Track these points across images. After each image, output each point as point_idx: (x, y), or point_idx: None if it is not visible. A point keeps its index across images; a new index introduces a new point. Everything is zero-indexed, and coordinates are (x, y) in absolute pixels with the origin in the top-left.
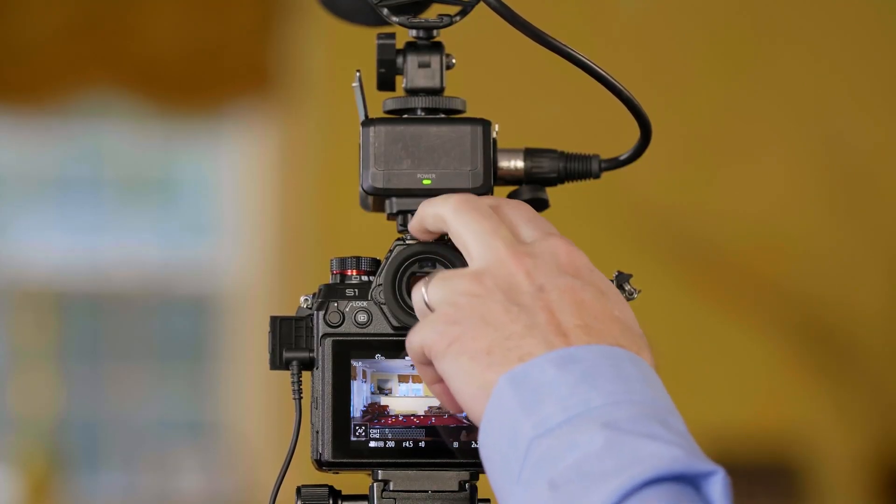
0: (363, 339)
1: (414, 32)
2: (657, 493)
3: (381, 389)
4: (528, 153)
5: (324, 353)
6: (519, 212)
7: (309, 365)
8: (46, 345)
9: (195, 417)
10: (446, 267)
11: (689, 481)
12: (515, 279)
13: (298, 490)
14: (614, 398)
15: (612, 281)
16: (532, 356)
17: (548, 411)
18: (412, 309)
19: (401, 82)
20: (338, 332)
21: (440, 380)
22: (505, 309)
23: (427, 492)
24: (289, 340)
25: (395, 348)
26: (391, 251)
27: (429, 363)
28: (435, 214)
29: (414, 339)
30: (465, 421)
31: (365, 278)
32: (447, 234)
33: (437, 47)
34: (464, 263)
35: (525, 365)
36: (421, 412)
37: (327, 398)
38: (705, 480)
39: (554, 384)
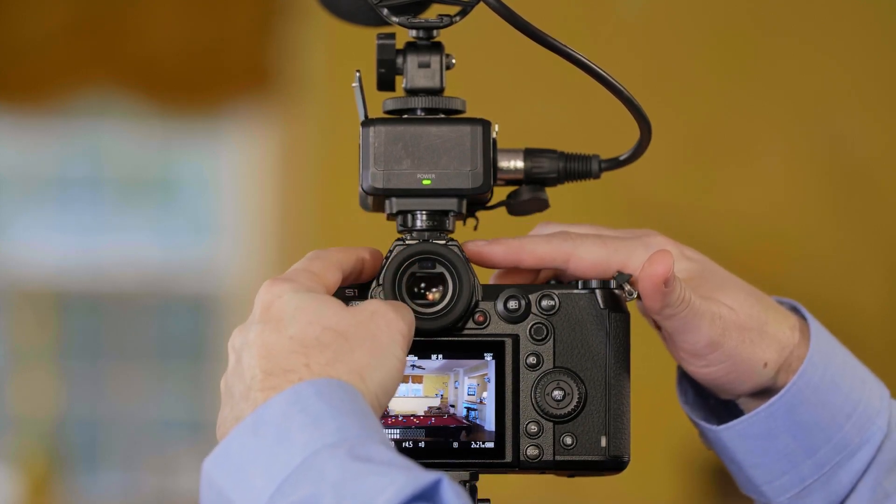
0: None
1: (414, 32)
2: None
3: None
4: (528, 153)
5: None
6: None
7: None
8: (46, 345)
9: (195, 417)
10: (446, 267)
11: (421, 497)
12: (231, 356)
13: None
14: (311, 448)
15: (612, 281)
16: (232, 428)
17: (259, 484)
18: (412, 309)
19: (401, 82)
20: None
21: None
22: (230, 394)
23: None
24: None
25: None
26: (391, 251)
27: None
28: None
29: None
30: (464, 421)
31: None
32: (447, 234)
33: (437, 47)
34: (466, 264)
35: (224, 443)
36: (421, 412)
37: None
38: (435, 491)
39: (253, 456)
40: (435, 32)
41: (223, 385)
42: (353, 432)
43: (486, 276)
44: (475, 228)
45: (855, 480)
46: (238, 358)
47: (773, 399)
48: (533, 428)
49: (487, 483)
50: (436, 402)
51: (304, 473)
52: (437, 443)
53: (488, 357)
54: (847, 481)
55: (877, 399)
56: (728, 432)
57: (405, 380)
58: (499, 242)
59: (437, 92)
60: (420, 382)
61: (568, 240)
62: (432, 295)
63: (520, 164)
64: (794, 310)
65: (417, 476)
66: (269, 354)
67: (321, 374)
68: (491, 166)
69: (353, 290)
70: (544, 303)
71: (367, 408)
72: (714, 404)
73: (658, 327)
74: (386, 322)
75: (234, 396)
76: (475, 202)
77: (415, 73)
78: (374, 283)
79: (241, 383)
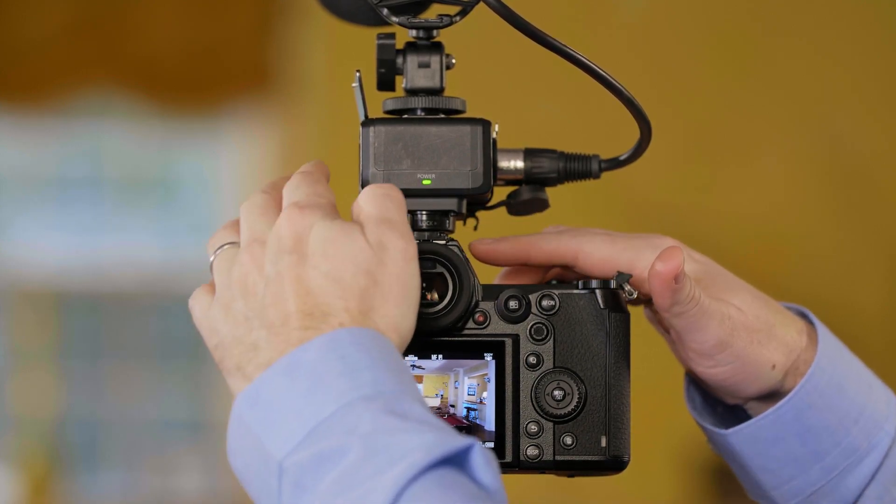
0: None
1: (414, 32)
2: (424, 487)
3: None
4: (528, 153)
5: None
6: (290, 183)
7: None
8: (46, 345)
9: (195, 417)
10: (446, 267)
11: (450, 461)
12: (249, 277)
13: None
14: (346, 399)
15: (612, 281)
16: (263, 368)
17: (289, 428)
18: None
19: (401, 82)
20: None
21: None
22: (244, 316)
23: None
24: None
25: None
26: None
27: None
28: None
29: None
30: (464, 421)
31: None
32: (447, 234)
33: (437, 47)
34: (466, 264)
35: (257, 381)
36: None
37: None
38: (465, 456)
39: (287, 398)
40: (435, 32)
41: (224, 299)
42: (390, 387)
43: (489, 276)
44: (475, 228)
45: (863, 486)
46: (266, 284)
47: (780, 402)
48: (533, 428)
49: None
50: (436, 402)
51: (336, 422)
52: None
53: (488, 357)
54: (855, 487)
55: (883, 404)
56: (736, 436)
57: None
58: (506, 239)
59: (437, 92)
60: (420, 382)
61: (576, 236)
62: (432, 295)
63: (520, 164)
64: (802, 315)
65: (449, 439)
66: (307, 293)
67: (360, 324)
68: (491, 166)
69: None
70: (544, 303)
71: (403, 363)
72: (722, 412)
73: (666, 330)
74: (413, 267)
75: (251, 321)
76: (475, 202)
77: (415, 73)
78: None
79: (264, 314)
